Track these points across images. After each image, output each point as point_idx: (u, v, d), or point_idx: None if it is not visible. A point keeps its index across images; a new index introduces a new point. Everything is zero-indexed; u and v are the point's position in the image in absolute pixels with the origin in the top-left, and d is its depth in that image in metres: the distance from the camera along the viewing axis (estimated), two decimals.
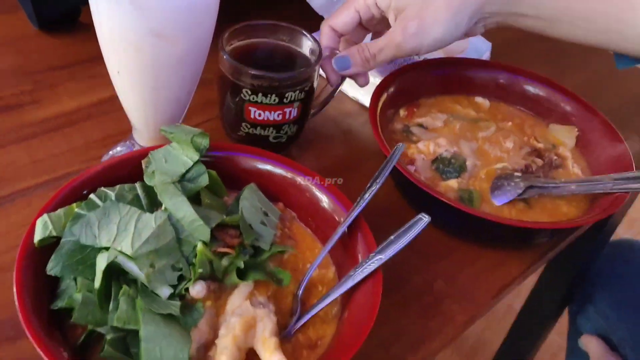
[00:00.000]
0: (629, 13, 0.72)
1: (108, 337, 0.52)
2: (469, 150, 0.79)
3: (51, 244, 0.56)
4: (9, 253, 0.63)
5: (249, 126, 0.76)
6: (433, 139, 0.79)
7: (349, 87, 0.92)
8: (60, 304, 0.54)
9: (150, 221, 0.57)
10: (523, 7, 0.74)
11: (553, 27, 0.75)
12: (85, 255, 0.56)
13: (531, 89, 0.87)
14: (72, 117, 0.82)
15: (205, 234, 0.57)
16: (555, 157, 0.80)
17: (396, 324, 0.66)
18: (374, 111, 0.75)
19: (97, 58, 0.67)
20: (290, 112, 0.75)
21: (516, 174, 0.76)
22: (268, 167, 0.68)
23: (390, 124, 0.81)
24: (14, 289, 0.52)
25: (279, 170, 0.68)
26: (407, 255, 0.71)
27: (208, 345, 0.55)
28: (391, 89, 0.82)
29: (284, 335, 0.58)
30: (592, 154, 0.80)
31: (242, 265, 0.58)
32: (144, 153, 0.65)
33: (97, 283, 0.54)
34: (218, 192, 0.66)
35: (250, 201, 0.64)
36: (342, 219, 0.64)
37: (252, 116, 0.75)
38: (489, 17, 0.75)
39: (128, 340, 0.54)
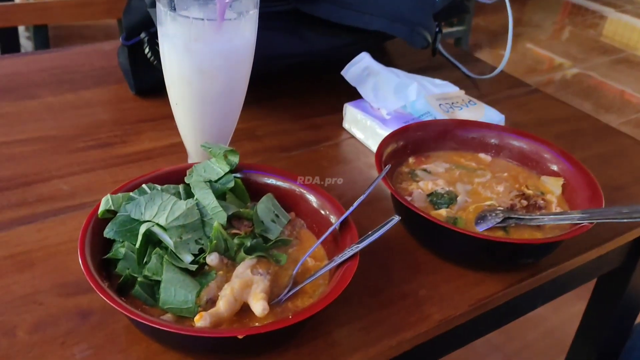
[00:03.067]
0: None
1: (139, 279, 0.70)
2: (463, 190, 0.93)
3: (110, 218, 0.75)
4: None
5: None
6: (433, 179, 0.94)
7: (374, 144, 1.09)
8: (109, 254, 0.72)
9: (183, 205, 0.75)
10: None
11: None
12: (133, 226, 0.75)
13: (525, 147, 1.00)
14: (149, 153, 1.05)
15: (223, 218, 0.75)
16: (541, 201, 0.92)
17: (379, 315, 0.79)
18: (379, 151, 0.92)
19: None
20: None
21: (499, 208, 0.89)
22: (283, 184, 0.86)
23: (399, 167, 0.97)
24: (78, 245, 0.71)
25: (291, 187, 0.85)
26: (398, 268, 0.86)
27: (215, 300, 0.71)
28: (401, 142, 0.98)
29: (276, 301, 0.73)
30: (574, 200, 0.92)
31: (249, 244, 0.75)
32: (190, 165, 0.84)
33: (138, 243, 0.72)
34: (242, 198, 0.84)
35: (265, 204, 0.82)
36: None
37: None
38: None
39: (155, 289, 0.71)
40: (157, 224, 0.73)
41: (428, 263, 0.88)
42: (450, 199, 0.90)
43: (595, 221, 0.82)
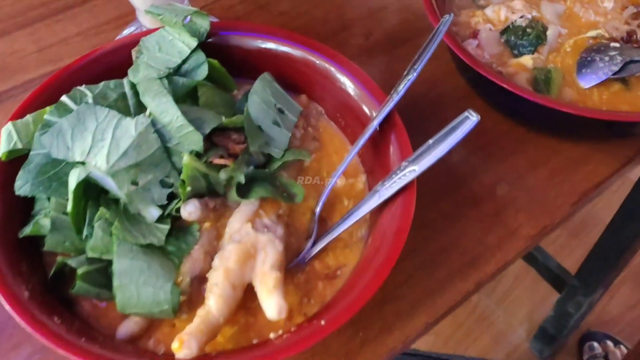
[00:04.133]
0: None
1: (80, 271, 0.45)
2: (552, 14, 0.62)
3: (19, 160, 0.48)
4: None
5: None
6: (506, 1, 0.62)
7: None
8: (27, 230, 0.46)
9: (130, 128, 0.47)
10: None
11: None
12: (60, 170, 0.48)
13: None
14: None
15: (197, 143, 0.47)
16: None
17: (445, 240, 0.55)
18: None
19: None
20: None
21: (613, 44, 0.59)
22: (287, 49, 0.55)
23: None
24: None
25: (300, 54, 0.55)
26: (463, 152, 0.59)
27: (203, 277, 0.46)
28: None
29: (297, 262, 0.48)
30: None
31: (242, 179, 0.48)
32: (136, 39, 0.54)
33: (69, 206, 0.45)
34: (224, 86, 0.55)
35: (261, 95, 0.53)
36: (378, 109, 0.51)
37: None
38: None
39: (110, 271, 0.46)
40: (96, 166, 0.46)
41: (503, 136, 0.61)
42: (536, 36, 0.59)
43: None
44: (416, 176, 0.46)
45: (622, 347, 1.57)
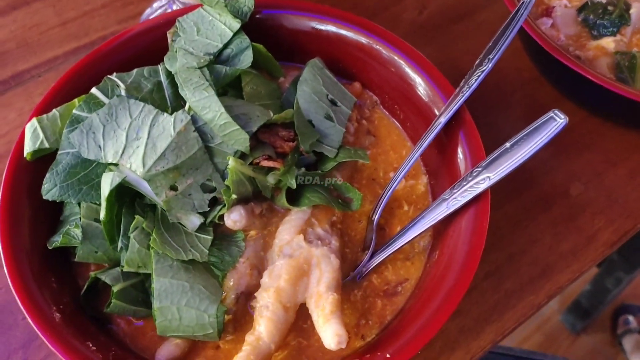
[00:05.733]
0: None
1: (115, 288, 0.40)
2: None
3: (46, 160, 0.43)
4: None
5: None
6: None
7: None
8: (56, 241, 0.42)
9: (168, 126, 0.42)
10: None
11: None
12: (90, 170, 0.43)
13: None
14: None
15: (243, 142, 0.42)
16: None
17: (513, 248, 0.49)
18: None
19: None
20: None
21: None
22: (340, 31, 0.49)
23: None
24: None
25: (355, 36, 0.49)
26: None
27: (250, 292, 0.42)
28: None
29: (352, 277, 0.43)
30: None
31: (293, 184, 0.43)
32: (172, 19, 0.48)
33: (102, 214, 0.41)
34: (271, 72, 0.49)
35: (311, 85, 0.47)
36: (440, 110, 0.45)
37: None
38: None
39: (147, 285, 0.42)
40: (131, 169, 0.41)
41: (579, 127, 0.55)
42: (618, 16, 0.53)
43: None
44: (490, 185, 0.40)
45: None
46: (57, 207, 0.44)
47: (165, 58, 0.45)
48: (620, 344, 1.53)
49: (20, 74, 0.58)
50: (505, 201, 0.51)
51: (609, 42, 0.52)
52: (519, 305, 0.47)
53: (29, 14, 0.62)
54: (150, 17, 0.60)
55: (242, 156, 0.42)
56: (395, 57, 0.48)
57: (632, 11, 0.53)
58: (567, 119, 0.39)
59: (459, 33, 0.60)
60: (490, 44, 0.44)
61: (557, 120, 0.40)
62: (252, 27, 0.48)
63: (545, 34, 0.50)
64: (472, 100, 0.44)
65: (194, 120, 0.42)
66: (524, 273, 0.48)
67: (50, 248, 0.41)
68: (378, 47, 0.48)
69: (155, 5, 0.59)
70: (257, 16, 0.49)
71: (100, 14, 0.62)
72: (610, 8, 0.53)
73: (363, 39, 0.49)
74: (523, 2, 0.44)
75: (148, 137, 0.42)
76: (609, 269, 1.43)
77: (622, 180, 0.52)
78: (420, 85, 0.47)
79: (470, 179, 0.41)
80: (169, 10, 0.58)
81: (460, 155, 0.44)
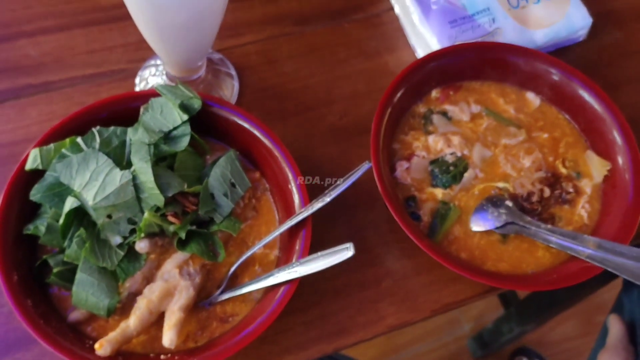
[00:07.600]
0: None
1: (55, 269, 0.65)
2: (478, 157, 0.76)
3: (40, 173, 0.67)
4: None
5: None
6: (448, 134, 0.77)
7: (412, 35, 0.88)
8: (30, 227, 0.67)
9: (117, 178, 0.65)
10: None
11: None
12: (63, 190, 0.67)
13: (587, 97, 0.78)
14: None
15: (160, 201, 0.65)
16: (570, 190, 0.75)
17: (327, 309, 0.73)
18: (387, 95, 0.74)
19: None
20: None
21: (507, 202, 0.73)
22: (254, 131, 0.72)
23: (415, 106, 0.79)
24: None
25: (260, 136, 0.72)
26: (368, 246, 0.76)
27: (138, 293, 0.66)
28: (433, 64, 0.78)
29: (204, 303, 0.68)
30: (611, 201, 0.74)
31: (183, 236, 0.66)
32: (148, 95, 0.71)
33: (61, 220, 0.65)
34: (200, 151, 0.72)
35: (222, 170, 0.70)
36: (300, 210, 0.68)
37: None
38: None
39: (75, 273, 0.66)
40: (85, 199, 0.65)
41: (403, 243, 0.77)
42: (453, 176, 0.74)
43: (607, 268, 0.67)
44: (298, 277, 0.64)
45: None
46: (36, 205, 0.68)
47: (130, 129, 0.68)
48: None
49: (48, 84, 0.81)
50: (336, 276, 0.74)
51: (439, 192, 0.74)
52: (311, 350, 0.70)
53: (69, 37, 0.85)
54: (144, 70, 0.83)
55: (157, 209, 0.66)
56: (281, 161, 0.70)
57: (466, 174, 0.75)
58: (354, 252, 0.62)
59: (357, 143, 0.80)
60: (332, 186, 0.66)
61: (348, 253, 0.63)
62: (202, 110, 0.71)
63: (397, 175, 0.73)
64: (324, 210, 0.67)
65: (134, 178, 0.66)
66: (326, 327, 0.71)
67: (24, 233, 0.66)
68: (272, 150, 0.71)
69: (147, 72, 0.82)
70: (204, 105, 0.72)
71: (118, 51, 0.84)
72: (451, 168, 0.75)
73: (264, 141, 0.71)
74: (360, 166, 0.66)
75: (102, 182, 0.65)
76: (506, 316, 1.66)
77: (418, 287, 0.75)
78: (291, 189, 0.70)
79: (289, 267, 0.65)
80: (158, 73, 0.81)
81: (296, 246, 0.67)
